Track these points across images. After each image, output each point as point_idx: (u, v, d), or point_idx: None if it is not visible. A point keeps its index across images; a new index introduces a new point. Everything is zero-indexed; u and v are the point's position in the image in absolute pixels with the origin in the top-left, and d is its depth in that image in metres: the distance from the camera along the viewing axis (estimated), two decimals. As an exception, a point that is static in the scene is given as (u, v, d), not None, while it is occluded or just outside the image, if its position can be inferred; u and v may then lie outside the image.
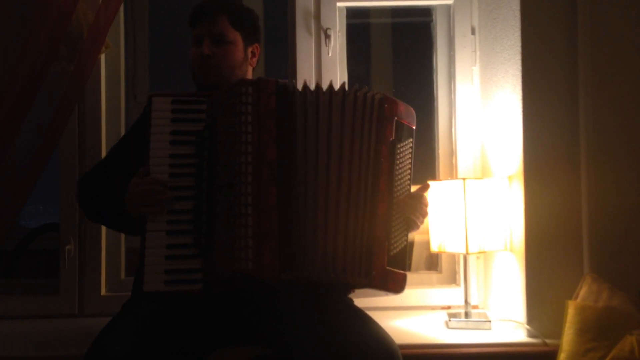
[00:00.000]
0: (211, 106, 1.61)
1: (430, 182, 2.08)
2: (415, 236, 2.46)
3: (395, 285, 1.59)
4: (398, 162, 1.62)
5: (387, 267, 1.56)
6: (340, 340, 1.47)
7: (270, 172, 1.52)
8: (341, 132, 1.58)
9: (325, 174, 1.55)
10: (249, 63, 1.86)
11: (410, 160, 1.67)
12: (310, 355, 1.49)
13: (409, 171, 1.67)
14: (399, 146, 1.63)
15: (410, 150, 1.67)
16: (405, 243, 1.63)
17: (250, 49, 1.86)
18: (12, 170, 2.06)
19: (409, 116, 1.68)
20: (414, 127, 1.69)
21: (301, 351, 1.51)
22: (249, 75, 1.88)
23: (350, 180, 1.57)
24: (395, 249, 1.59)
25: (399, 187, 1.62)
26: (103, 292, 2.25)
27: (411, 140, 1.68)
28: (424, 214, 1.69)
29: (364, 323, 1.55)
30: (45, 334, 2.05)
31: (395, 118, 1.63)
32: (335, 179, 1.55)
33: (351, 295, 1.72)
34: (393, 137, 1.62)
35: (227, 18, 1.79)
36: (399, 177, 1.63)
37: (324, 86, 1.61)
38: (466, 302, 2.05)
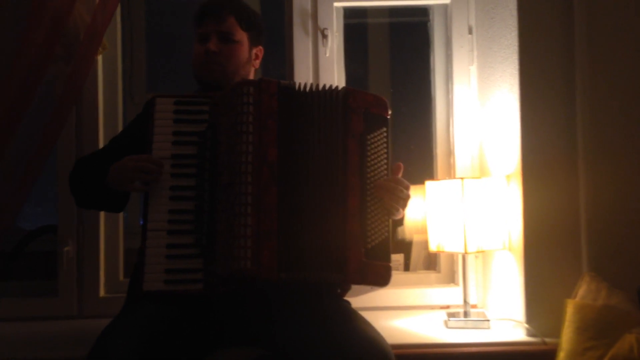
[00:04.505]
0: (213, 107, 1.62)
1: (428, 182, 2.10)
2: (414, 236, 2.47)
3: (377, 277, 1.54)
4: (370, 153, 1.60)
5: (365, 260, 1.52)
6: (332, 342, 1.46)
7: (271, 172, 1.52)
8: (318, 129, 1.58)
9: (311, 174, 1.56)
10: (252, 64, 1.90)
11: (385, 149, 1.62)
12: (303, 357, 1.49)
13: (386, 160, 1.62)
14: (369, 137, 1.60)
15: (385, 139, 1.63)
16: (387, 234, 1.58)
17: (254, 51, 1.90)
18: (9, 171, 2.06)
19: (379, 106, 1.64)
20: (388, 116, 1.65)
21: (294, 352, 1.51)
22: (251, 77, 1.90)
23: (325, 177, 1.56)
24: (374, 241, 1.55)
25: (373, 179, 1.59)
26: (102, 293, 2.25)
27: (385, 129, 1.63)
28: (405, 197, 1.61)
29: (356, 324, 1.53)
30: (44, 335, 2.04)
31: (364, 109, 1.61)
32: (313, 178, 1.56)
33: (348, 296, 1.71)
34: (362, 129, 1.60)
35: (235, 18, 1.82)
36: (373, 167, 1.59)
37: (317, 86, 1.62)
38: (465, 301, 2.06)
